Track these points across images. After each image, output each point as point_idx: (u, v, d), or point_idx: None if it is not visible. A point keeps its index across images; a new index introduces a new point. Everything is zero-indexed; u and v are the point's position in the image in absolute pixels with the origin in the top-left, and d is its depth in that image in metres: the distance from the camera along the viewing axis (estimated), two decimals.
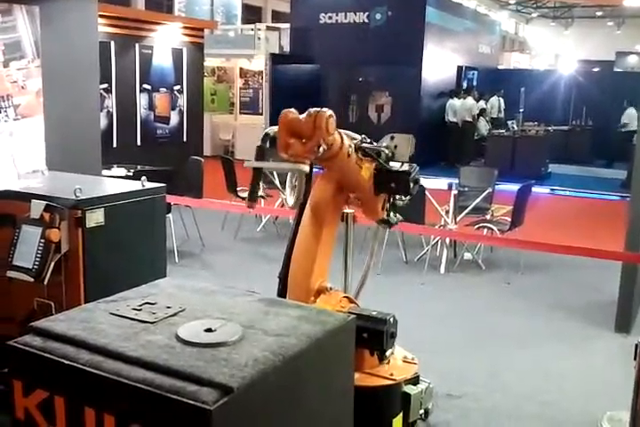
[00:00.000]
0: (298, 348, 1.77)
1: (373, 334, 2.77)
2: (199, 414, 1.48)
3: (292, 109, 2.42)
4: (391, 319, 2.88)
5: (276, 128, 2.46)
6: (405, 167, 2.81)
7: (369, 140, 2.84)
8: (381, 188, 2.83)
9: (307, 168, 2.36)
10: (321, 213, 2.82)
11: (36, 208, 2.70)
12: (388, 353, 2.92)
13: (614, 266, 4.77)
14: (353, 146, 2.64)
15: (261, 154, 2.47)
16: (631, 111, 14.24)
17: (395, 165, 2.82)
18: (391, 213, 2.98)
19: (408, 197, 2.99)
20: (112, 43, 8.25)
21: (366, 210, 2.98)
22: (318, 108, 2.37)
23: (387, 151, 2.80)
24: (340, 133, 2.52)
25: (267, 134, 2.50)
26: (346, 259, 3.38)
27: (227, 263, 5.71)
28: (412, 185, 2.84)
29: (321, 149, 2.32)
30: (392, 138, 2.87)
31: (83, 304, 2.17)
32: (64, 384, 1.70)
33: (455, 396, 3.58)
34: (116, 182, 3.59)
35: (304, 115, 2.38)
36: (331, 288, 2.94)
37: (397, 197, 3.00)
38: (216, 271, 5.23)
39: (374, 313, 2.87)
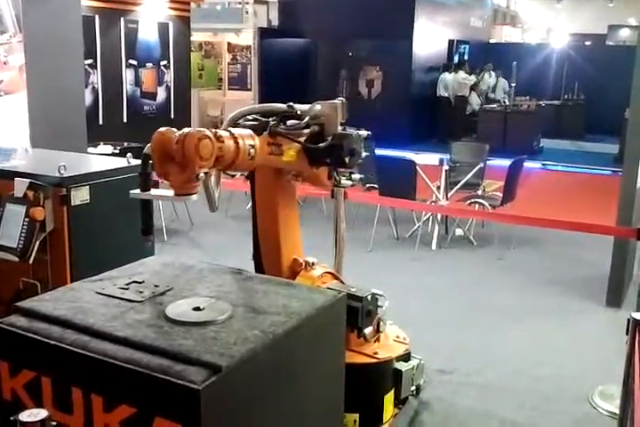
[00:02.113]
0: (288, 326, 1.75)
1: (348, 312, 2.74)
2: (187, 394, 1.46)
3: (169, 129, 1.95)
4: (369, 297, 2.84)
5: None
6: (344, 138, 2.54)
7: (295, 111, 2.54)
8: (316, 163, 2.61)
9: (195, 197, 1.98)
10: (270, 193, 2.71)
11: (20, 186, 2.66)
12: (367, 331, 2.89)
13: (606, 241, 4.76)
14: (257, 142, 2.25)
15: (146, 181, 2.03)
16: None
17: (328, 138, 2.54)
18: (342, 179, 2.72)
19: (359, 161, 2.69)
20: (96, 17, 8.09)
21: (311, 183, 2.79)
22: (188, 130, 1.91)
23: (306, 132, 2.49)
24: (233, 137, 2.14)
25: (146, 156, 2.02)
26: (336, 236, 3.35)
27: (216, 241, 5.67)
28: (347, 158, 2.57)
29: (200, 176, 1.94)
30: (317, 106, 2.56)
31: (69, 284, 2.14)
32: (50, 365, 1.69)
33: (447, 372, 3.58)
34: (101, 159, 3.54)
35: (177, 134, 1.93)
36: (313, 263, 2.90)
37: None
38: (205, 249, 5.21)
39: (353, 290, 2.84)
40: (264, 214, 2.79)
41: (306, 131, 2.49)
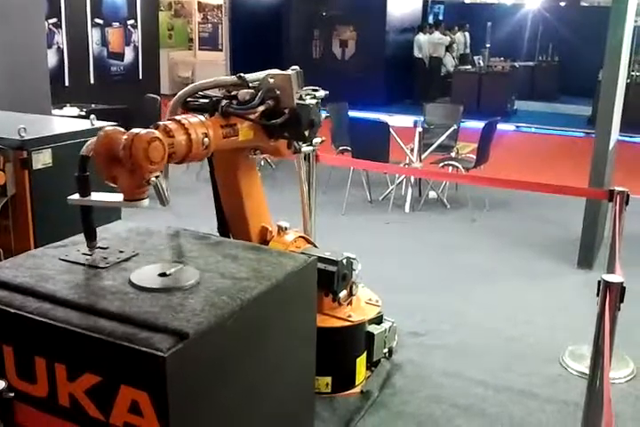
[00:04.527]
0: (257, 291, 1.72)
1: (324, 276, 2.72)
2: (153, 362, 1.44)
3: (116, 129, 1.79)
4: (344, 261, 2.83)
5: (93, 143, 1.84)
6: (301, 111, 2.39)
7: (246, 82, 2.35)
8: (274, 137, 2.47)
9: (145, 203, 1.83)
10: (229, 169, 2.61)
11: None
12: (341, 295, 2.88)
13: (578, 203, 4.78)
14: (210, 130, 2.09)
15: (84, 186, 1.85)
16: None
17: (285, 111, 2.38)
18: (303, 146, 2.60)
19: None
20: None
21: (271, 155, 2.71)
22: (136, 132, 1.74)
23: (259, 109, 2.31)
24: (184, 129, 1.98)
25: (84, 158, 1.84)
26: (309, 199, 3.31)
27: (189, 205, 5.58)
28: (306, 131, 2.46)
29: (152, 181, 1.80)
30: (270, 79, 2.37)
31: (32, 250, 2.08)
32: (12, 334, 1.65)
33: (420, 334, 3.60)
34: (64, 121, 3.43)
35: (124, 136, 1.75)
36: (286, 228, 2.86)
37: None
38: (177, 213, 5.12)
39: (327, 254, 2.81)
40: (226, 190, 2.70)
41: (260, 108, 2.32)
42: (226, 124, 2.23)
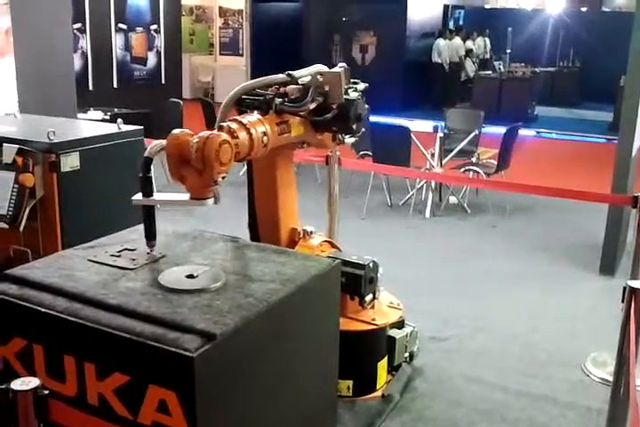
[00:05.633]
0: (282, 293, 1.74)
1: (351, 280, 2.74)
2: (181, 362, 1.45)
3: (183, 131, 1.87)
4: (370, 264, 2.84)
5: (158, 145, 1.93)
6: (349, 106, 2.49)
7: (295, 79, 2.44)
8: (323, 131, 2.59)
9: (211, 202, 1.92)
10: (268, 162, 2.64)
11: (9, 152, 2.62)
12: (368, 298, 2.89)
13: (600, 209, 4.75)
14: (268, 128, 2.21)
15: (148, 186, 1.90)
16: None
17: (332, 106, 2.48)
18: (346, 138, 2.70)
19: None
20: None
21: (316, 147, 2.79)
22: (208, 133, 1.85)
23: (311, 106, 2.40)
24: (245, 129, 2.10)
25: (147, 160, 1.90)
26: (330, 202, 3.32)
27: (210, 208, 5.62)
28: (354, 125, 2.58)
29: (219, 180, 1.88)
30: (319, 76, 2.45)
31: (60, 251, 2.11)
32: (42, 332, 1.67)
33: (440, 339, 3.59)
34: (91, 125, 3.48)
35: (195, 139, 1.84)
36: (311, 232, 2.88)
37: None
38: (199, 216, 5.17)
39: (354, 258, 2.83)
40: (262, 187, 2.74)
41: (312, 105, 2.42)
42: (280, 122, 2.33)
